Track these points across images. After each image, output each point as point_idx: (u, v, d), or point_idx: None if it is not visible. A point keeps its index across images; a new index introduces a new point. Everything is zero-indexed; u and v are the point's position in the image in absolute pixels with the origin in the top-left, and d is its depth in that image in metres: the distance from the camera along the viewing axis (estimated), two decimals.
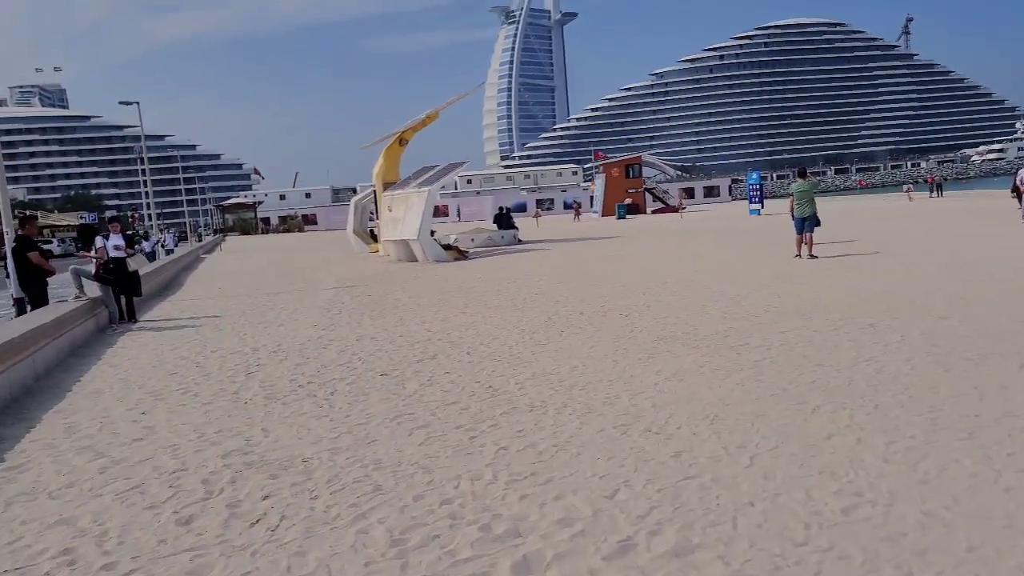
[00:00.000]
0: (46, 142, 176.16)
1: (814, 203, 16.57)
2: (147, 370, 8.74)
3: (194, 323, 12.67)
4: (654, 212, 62.49)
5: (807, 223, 16.47)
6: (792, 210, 16.80)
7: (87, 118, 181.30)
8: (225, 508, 4.36)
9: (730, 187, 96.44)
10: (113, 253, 12.48)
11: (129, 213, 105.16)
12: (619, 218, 54.71)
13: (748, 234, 27.25)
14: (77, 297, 12.12)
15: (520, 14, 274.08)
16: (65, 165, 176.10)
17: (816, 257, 16.27)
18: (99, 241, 12.48)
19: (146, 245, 32.26)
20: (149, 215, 55.49)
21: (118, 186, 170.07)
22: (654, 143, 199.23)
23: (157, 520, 4.25)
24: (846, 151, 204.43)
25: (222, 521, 4.18)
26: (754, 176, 49.71)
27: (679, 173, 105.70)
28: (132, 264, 12.85)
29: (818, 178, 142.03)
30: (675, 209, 59.67)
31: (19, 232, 11.94)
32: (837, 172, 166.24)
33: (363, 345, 9.56)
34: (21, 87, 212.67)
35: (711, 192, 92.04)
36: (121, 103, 46.70)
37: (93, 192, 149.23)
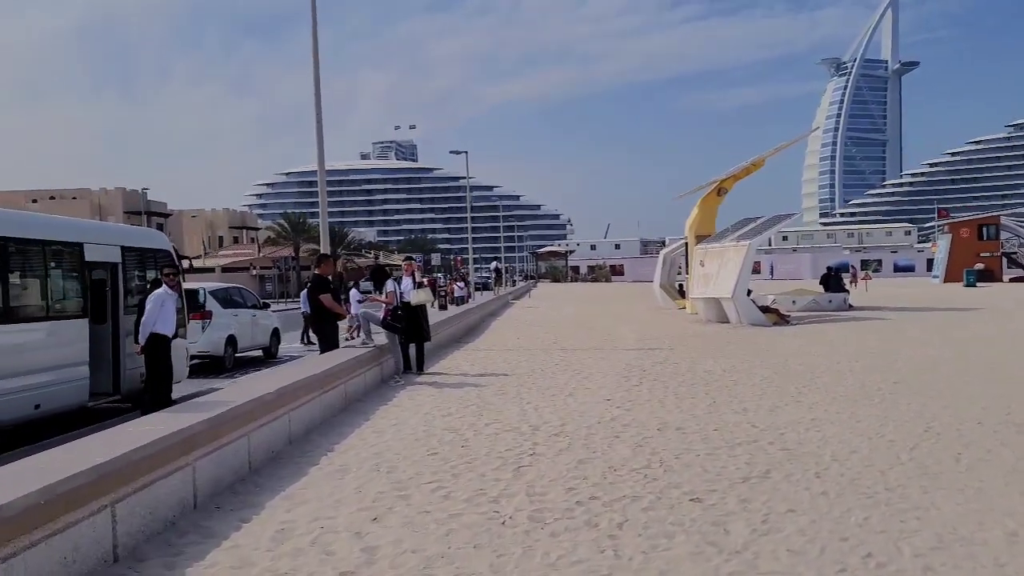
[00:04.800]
0: (397, 190, 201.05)
1: None
2: (408, 443, 7.31)
3: (479, 381, 11.34)
4: (1012, 280, 53.08)
5: None
6: None
7: (431, 170, 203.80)
8: None
9: None
10: (404, 298, 11.60)
11: (453, 256, 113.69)
12: (967, 285, 46.64)
13: None
14: (364, 343, 11.39)
15: (852, 66, 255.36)
16: (409, 211, 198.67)
17: None
18: (390, 284, 11.66)
19: (457, 289, 33.05)
20: (469, 259, 58.47)
21: (450, 231, 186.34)
22: (1007, 204, 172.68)
23: None
24: None
25: None
26: None
27: None
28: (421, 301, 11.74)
29: None
30: None
31: (315, 271, 11.52)
32: None
33: (666, 439, 7.34)
34: (382, 143, 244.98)
35: None
36: (452, 152, 50.09)
37: (428, 236, 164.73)
